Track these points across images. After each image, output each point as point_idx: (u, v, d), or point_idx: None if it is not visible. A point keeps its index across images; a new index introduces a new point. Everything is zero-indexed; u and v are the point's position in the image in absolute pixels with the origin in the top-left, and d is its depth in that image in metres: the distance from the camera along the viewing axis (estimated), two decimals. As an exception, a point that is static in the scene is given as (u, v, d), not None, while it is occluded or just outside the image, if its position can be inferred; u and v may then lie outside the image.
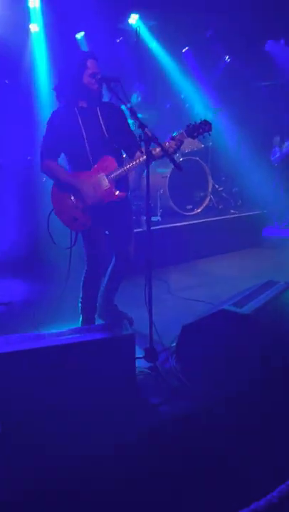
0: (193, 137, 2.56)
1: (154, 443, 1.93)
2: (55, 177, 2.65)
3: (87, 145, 2.59)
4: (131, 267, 2.91)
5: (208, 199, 5.30)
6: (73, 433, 1.87)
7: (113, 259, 2.89)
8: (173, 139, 2.54)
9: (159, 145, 2.39)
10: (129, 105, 2.37)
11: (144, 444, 1.90)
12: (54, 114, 2.65)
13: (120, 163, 2.66)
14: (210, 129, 2.55)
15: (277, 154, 6.04)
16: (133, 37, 6.16)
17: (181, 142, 2.55)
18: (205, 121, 2.57)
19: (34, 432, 1.83)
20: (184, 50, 7.04)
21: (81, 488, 1.74)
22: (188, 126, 2.56)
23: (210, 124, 2.56)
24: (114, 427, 1.92)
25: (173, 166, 2.35)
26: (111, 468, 1.79)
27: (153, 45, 6.72)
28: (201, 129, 2.55)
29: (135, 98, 5.71)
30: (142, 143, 2.32)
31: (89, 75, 2.54)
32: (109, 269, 2.89)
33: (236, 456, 2.07)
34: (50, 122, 2.64)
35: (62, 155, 2.71)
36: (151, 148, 2.41)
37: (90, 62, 2.54)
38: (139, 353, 2.24)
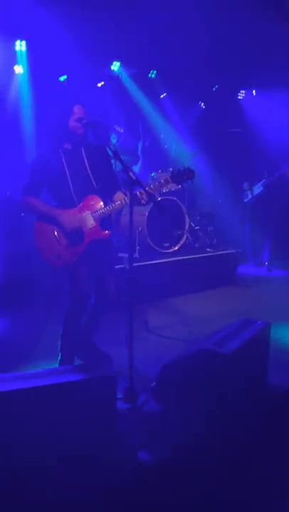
0: (178, 183, 2.68)
1: (136, 488, 1.87)
2: (36, 209, 2.71)
3: (70, 184, 2.66)
4: (109, 305, 2.92)
5: (185, 237, 5.42)
6: (52, 478, 1.79)
7: (92, 298, 2.89)
8: (159, 183, 2.66)
9: (145, 190, 2.47)
10: (113, 148, 2.47)
11: (126, 489, 1.83)
12: (39, 155, 2.79)
13: (105, 202, 2.73)
14: (193, 176, 2.67)
15: (249, 196, 6.34)
16: (115, 82, 6.43)
17: (163, 189, 2.68)
18: (189, 168, 2.68)
19: (11, 477, 1.75)
20: (162, 96, 7.41)
21: None
22: (173, 172, 2.67)
23: (193, 172, 2.67)
24: (94, 471, 1.85)
25: (152, 205, 2.44)
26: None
27: (133, 90, 7.05)
28: (185, 176, 2.66)
29: (114, 139, 5.90)
30: (126, 185, 2.39)
31: (75, 120, 2.65)
32: (89, 307, 2.88)
33: (220, 496, 2.03)
34: (35, 163, 2.75)
35: (47, 195, 2.77)
36: (137, 192, 2.48)
37: (76, 108, 2.67)
38: (118, 393, 2.20)
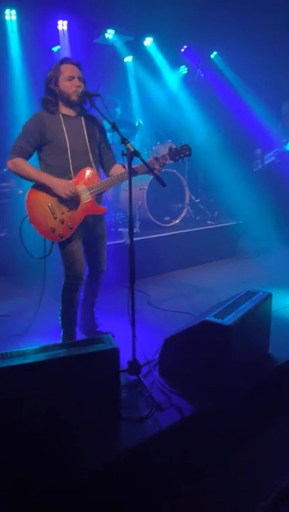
0: (175, 160, 2.65)
1: (141, 458, 1.92)
2: (26, 172, 2.51)
3: (69, 155, 2.57)
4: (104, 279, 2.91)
5: (185, 210, 5.38)
6: (57, 450, 1.84)
7: (87, 270, 2.87)
8: (156, 159, 2.59)
9: (144, 162, 2.42)
10: (111, 120, 2.40)
11: (130, 459, 1.88)
12: (37, 115, 2.59)
13: (101, 176, 2.67)
14: (190, 154, 2.66)
15: (260, 166, 6.09)
16: (109, 51, 6.23)
17: (164, 164, 2.62)
18: (186, 145, 2.66)
19: (17, 449, 1.79)
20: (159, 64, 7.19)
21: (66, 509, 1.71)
22: (170, 149, 2.64)
23: (190, 149, 2.66)
24: (99, 442, 1.90)
25: (151, 179, 2.39)
26: (97, 485, 1.77)
27: (129, 59, 6.84)
28: (182, 153, 2.65)
29: (114, 113, 5.77)
30: (125, 157, 2.33)
31: (65, 79, 2.55)
32: (86, 282, 2.87)
33: (223, 466, 2.10)
34: (29, 124, 2.57)
35: (37, 163, 2.64)
36: (133, 166, 2.43)
37: (63, 68, 2.56)
38: (121, 365, 2.23)
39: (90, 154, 2.64)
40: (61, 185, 2.51)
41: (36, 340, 2.92)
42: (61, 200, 2.55)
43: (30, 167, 2.53)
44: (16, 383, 1.77)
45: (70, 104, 2.60)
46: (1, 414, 1.76)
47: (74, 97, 2.57)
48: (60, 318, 2.81)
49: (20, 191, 4.84)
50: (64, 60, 2.61)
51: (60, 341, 2.76)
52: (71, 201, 2.56)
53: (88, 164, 2.62)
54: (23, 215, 2.62)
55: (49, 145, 2.57)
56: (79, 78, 2.58)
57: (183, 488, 1.97)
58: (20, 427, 1.78)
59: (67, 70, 2.56)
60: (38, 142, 2.56)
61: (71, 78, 2.55)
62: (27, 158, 2.57)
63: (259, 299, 2.56)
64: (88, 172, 2.60)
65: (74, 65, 2.60)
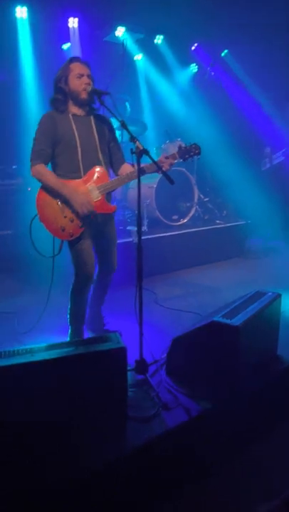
0: (185, 159, 2.66)
1: (147, 457, 1.91)
2: (47, 182, 2.53)
3: (79, 153, 2.56)
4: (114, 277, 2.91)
5: (194, 209, 5.36)
6: (63, 449, 1.84)
7: (97, 269, 2.87)
8: (167, 158, 2.58)
9: (153, 160, 2.41)
10: (120, 118, 2.39)
11: (136, 458, 1.88)
12: (47, 115, 2.58)
13: (110, 175, 2.67)
14: (199, 153, 2.67)
15: (268, 165, 6.05)
16: (120, 49, 6.21)
17: (173, 164, 2.61)
18: (195, 144, 2.66)
19: (22, 448, 1.79)
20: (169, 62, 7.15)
21: (71, 507, 1.71)
22: (179, 148, 2.64)
23: (199, 148, 2.66)
24: (105, 441, 1.90)
25: (159, 177, 2.39)
26: (102, 484, 1.77)
27: (139, 57, 6.82)
28: (192, 152, 2.66)
29: (128, 107, 5.76)
30: (134, 156, 2.32)
31: (74, 77, 2.55)
32: (96, 280, 2.87)
33: (228, 467, 2.08)
34: (42, 125, 2.57)
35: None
36: (142, 165, 2.42)
37: (73, 66, 2.56)
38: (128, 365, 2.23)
39: (100, 153, 2.63)
40: (79, 202, 2.52)
41: (44, 337, 2.93)
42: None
43: (53, 177, 2.54)
44: (23, 380, 1.77)
45: (79, 103, 2.60)
46: (7, 411, 1.76)
47: (84, 95, 2.57)
48: (68, 316, 2.81)
49: (29, 188, 4.85)
50: (73, 59, 2.62)
51: (68, 339, 2.76)
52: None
53: (98, 163, 2.62)
54: (32, 213, 2.62)
55: (59, 144, 2.56)
56: (88, 76, 2.58)
57: (186, 488, 1.96)
58: (27, 425, 1.78)
59: (77, 68, 2.56)
60: (54, 141, 2.56)
61: (80, 76, 2.55)
62: (48, 160, 2.58)
63: (268, 299, 2.54)
64: (98, 171, 2.60)
65: (83, 63, 2.59)
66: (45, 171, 2.54)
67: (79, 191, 2.55)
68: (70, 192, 2.52)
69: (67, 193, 2.52)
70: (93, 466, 1.78)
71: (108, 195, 2.68)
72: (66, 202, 2.55)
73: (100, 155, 2.64)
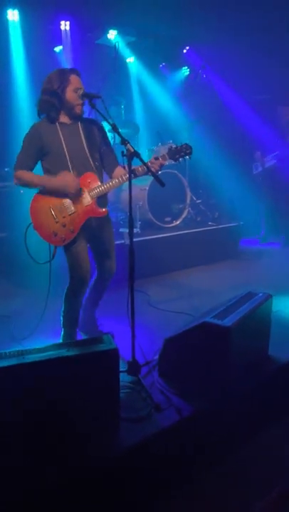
0: (175, 159, 2.65)
1: (140, 457, 1.92)
2: (30, 181, 2.58)
3: (68, 161, 2.58)
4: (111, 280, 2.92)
5: (186, 211, 5.38)
6: (56, 449, 1.85)
7: (95, 273, 2.89)
8: (156, 159, 2.59)
9: (143, 162, 2.43)
10: (111, 121, 2.40)
11: (129, 459, 1.89)
12: (33, 129, 2.62)
13: (102, 180, 2.68)
14: (190, 153, 2.65)
15: (259, 169, 6.11)
16: (111, 52, 6.24)
17: (163, 165, 2.61)
18: (186, 145, 2.65)
19: (15, 450, 1.80)
20: (160, 65, 7.21)
21: (64, 507, 1.72)
22: (170, 149, 2.64)
23: (190, 148, 2.65)
24: (98, 442, 1.90)
25: (152, 180, 2.40)
26: (93, 486, 1.78)
27: (131, 60, 6.85)
28: (182, 152, 2.64)
29: (114, 110, 5.77)
30: (125, 158, 2.34)
31: (72, 90, 2.56)
32: (91, 283, 2.88)
33: (222, 466, 2.10)
34: (28, 137, 2.61)
35: (41, 171, 2.68)
36: (134, 167, 2.44)
37: (72, 78, 2.56)
38: (121, 366, 2.24)
39: (90, 159, 2.65)
40: (65, 183, 2.54)
41: (39, 340, 2.92)
42: (63, 204, 2.58)
43: (31, 175, 2.60)
44: (14, 383, 1.77)
45: (71, 114, 2.62)
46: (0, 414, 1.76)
47: (78, 110, 2.60)
48: (61, 318, 2.82)
49: (22, 191, 4.85)
50: (73, 71, 2.62)
51: (60, 341, 2.76)
52: (74, 203, 2.58)
53: (89, 169, 2.64)
54: (26, 215, 2.65)
55: (49, 155, 2.60)
56: (82, 89, 2.59)
57: (180, 488, 1.97)
58: (19, 427, 1.79)
59: (76, 82, 2.57)
60: (39, 153, 2.61)
61: (77, 90, 2.57)
62: (32, 168, 2.62)
63: (259, 300, 2.56)
64: (88, 176, 2.62)
65: (79, 77, 2.61)
66: (23, 173, 2.59)
67: (66, 201, 2.59)
68: (55, 179, 2.56)
69: (52, 184, 2.56)
70: (86, 466, 1.79)
71: (101, 200, 2.69)
72: (58, 207, 2.57)
73: (91, 160, 2.65)
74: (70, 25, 5.87)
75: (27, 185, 2.61)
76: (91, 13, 5.66)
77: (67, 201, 2.60)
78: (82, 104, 2.60)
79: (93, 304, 2.97)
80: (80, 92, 2.56)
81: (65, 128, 2.62)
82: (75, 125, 2.65)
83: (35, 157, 2.62)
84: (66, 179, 2.55)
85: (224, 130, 6.63)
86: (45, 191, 2.60)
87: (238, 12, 5.66)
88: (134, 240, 2.40)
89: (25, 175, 2.59)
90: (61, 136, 2.59)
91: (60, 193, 2.58)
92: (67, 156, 2.58)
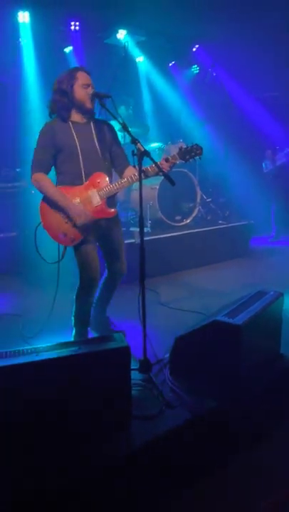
0: (186, 160, 2.62)
1: (151, 455, 1.93)
2: (45, 191, 2.60)
3: (81, 161, 2.59)
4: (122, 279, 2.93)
5: (196, 210, 5.38)
6: (67, 447, 1.87)
7: (105, 272, 2.91)
8: (167, 160, 2.59)
9: (153, 161, 2.43)
10: (121, 120, 2.41)
11: (141, 456, 1.90)
12: (47, 126, 2.63)
13: (112, 180, 2.69)
14: (201, 153, 2.63)
15: (270, 167, 6.07)
16: (121, 52, 6.25)
17: (174, 164, 2.60)
18: (196, 145, 2.63)
19: (25, 446, 1.82)
20: (170, 64, 7.20)
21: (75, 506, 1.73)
22: (180, 149, 2.63)
23: (201, 149, 2.63)
24: (109, 439, 1.92)
25: (162, 178, 2.39)
26: (105, 484, 1.79)
27: (141, 59, 6.85)
28: (193, 152, 2.62)
29: (124, 110, 5.79)
30: (135, 157, 2.35)
31: (80, 87, 2.56)
32: (102, 282, 2.90)
33: (234, 464, 2.10)
34: (43, 134, 2.62)
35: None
36: (144, 168, 2.44)
37: (79, 74, 2.58)
38: (132, 364, 2.25)
39: (102, 159, 2.66)
40: (76, 212, 2.57)
41: (49, 339, 2.95)
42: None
43: (50, 185, 2.60)
44: (28, 380, 1.80)
45: (83, 111, 2.62)
46: (12, 410, 1.78)
47: (89, 105, 2.60)
48: (72, 318, 2.84)
49: (33, 191, 4.90)
50: (79, 68, 2.64)
51: (72, 339, 2.79)
52: (83, 203, 2.60)
53: (100, 169, 2.65)
54: (36, 215, 2.67)
55: (61, 153, 2.61)
56: (92, 86, 2.61)
57: (188, 487, 1.97)
58: (30, 425, 1.81)
59: (83, 78, 2.58)
60: (55, 151, 2.61)
61: (87, 86, 2.58)
62: (48, 170, 2.64)
63: (270, 298, 2.55)
64: (98, 176, 2.63)
65: (87, 73, 2.62)
66: (44, 180, 2.60)
67: (76, 200, 2.60)
68: (67, 203, 2.57)
69: (64, 205, 2.57)
70: (98, 464, 1.80)
71: (111, 200, 2.70)
72: (66, 213, 2.59)
73: (102, 160, 2.66)
74: (80, 25, 5.89)
75: (43, 192, 2.62)
76: (100, 14, 5.67)
77: (77, 201, 2.61)
78: (93, 100, 2.60)
79: (104, 303, 2.98)
80: (89, 88, 2.57)
81: (77, 127, 2.63)
82: (88, 125, 2.67)
83: (52, 154, 2.61)
84: (80, 209, 2.57)
85: (234, 128, 6.59)
86: None
87: (247, 9, 5.62)
88: (145, 238, 2.40)
89: (42, 182, 2.59)
90: (74, 134, 2.60)
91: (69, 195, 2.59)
92: (80, 155, 2.59)
